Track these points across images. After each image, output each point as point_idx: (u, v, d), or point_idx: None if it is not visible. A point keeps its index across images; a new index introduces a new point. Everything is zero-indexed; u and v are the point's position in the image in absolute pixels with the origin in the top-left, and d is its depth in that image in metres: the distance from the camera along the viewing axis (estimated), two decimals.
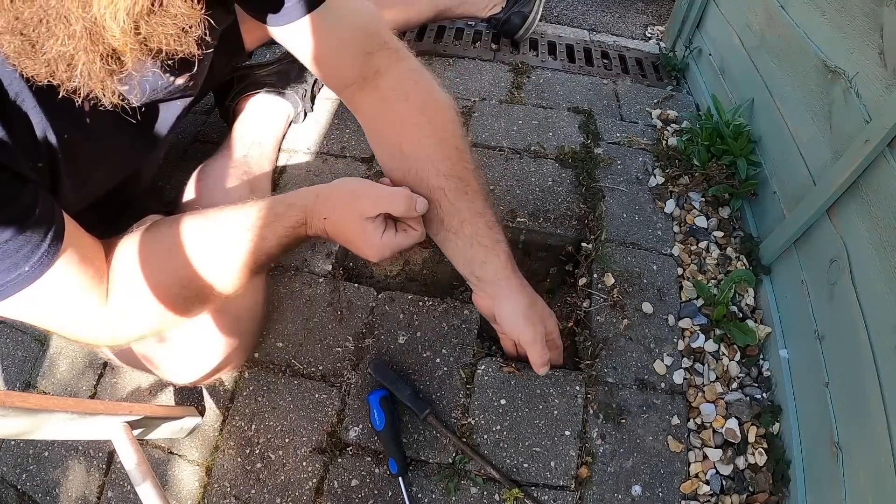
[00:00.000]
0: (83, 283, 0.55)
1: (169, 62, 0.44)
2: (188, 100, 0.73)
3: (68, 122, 0.54)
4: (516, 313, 0.76)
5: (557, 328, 0.82)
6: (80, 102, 0.54)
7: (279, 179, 1.08)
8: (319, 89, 1.23)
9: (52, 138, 0.52)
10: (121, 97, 0.44)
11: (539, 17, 1.43)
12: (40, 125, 0.50)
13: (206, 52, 0.44)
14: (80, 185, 0.61)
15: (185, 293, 0.62)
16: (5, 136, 0.46)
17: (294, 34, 0.67)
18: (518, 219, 1.01)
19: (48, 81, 0.40)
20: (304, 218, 0.64)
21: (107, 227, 0.64)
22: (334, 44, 0.68)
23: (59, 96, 0.51)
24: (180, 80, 0.63)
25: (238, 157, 1.00)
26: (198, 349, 0.75)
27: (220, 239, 0.62)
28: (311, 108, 1.20)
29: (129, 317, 0.60)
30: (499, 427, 0.81)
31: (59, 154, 0.54)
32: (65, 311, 0.56)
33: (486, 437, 0.80)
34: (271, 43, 1.14)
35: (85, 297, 0.56)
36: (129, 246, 0.60)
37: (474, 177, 0.73)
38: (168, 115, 0.72)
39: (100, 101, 0.44)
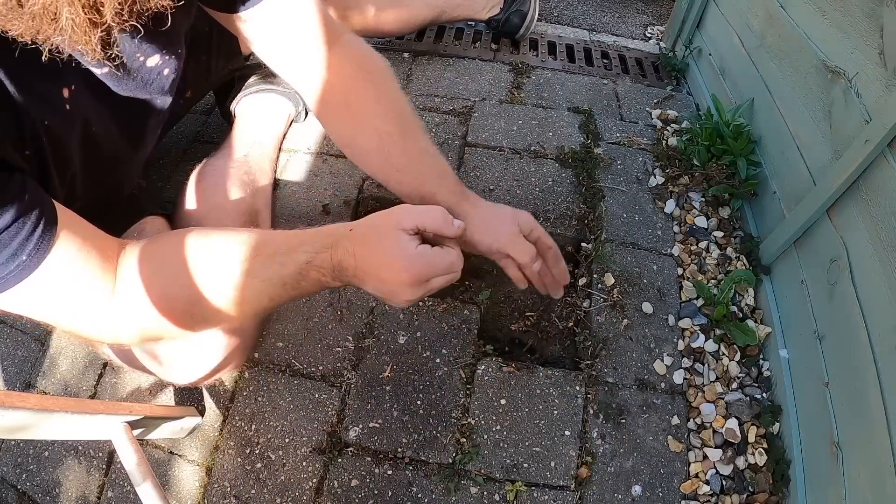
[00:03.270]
0: (87, 267, 0.54)
1: (142, 23, 0.44)
2: (168, 98, 0.73)
3: (48, 109, 0.54)
4: (482, 223, 0.73)
5: (535, 224, 0.76)
6: (60, 90, 0.53)
7: (279, 179, 1.08)
8: None
9: (36, 126, 0.52)
10: (104, 53, 0.44)
11: (537, 14, 1.43)
12: (22, 112, 0.50)
13: (177, 4, 0.44)
14: (65, 177, 0.60)
15: (193, 311, 0.60)
16: None
17: (259, 20, 0.66)
18: None
19: (31, 41, 0.40)
20: (331, 242, 0.58)
21: (102, 227, 0.63)
22: (298, 28, 0.69)
23: (39, 84, 0.50)
24: (157, 59, 0.64)
25: (239, 157, 1.00)
26: (198, 349, 0.75)
27: (235, 262, 0.59)
28: None
29: (134, 316, 0.58)
30: (499, 427, 0.81)
31: (44, 140, 0.54)
32: (70, 299, 0.54)
33: (486, 437, 0.80)
34: None
35: (90, 283, 0.54)
36: (145, 249, 0.59)
37: (417, 122, 0.76)
38: (152, 110, 0.72)
39: (81, 64, 0.44)
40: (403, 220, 0.58)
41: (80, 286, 0.54)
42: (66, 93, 0.56)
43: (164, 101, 0.72)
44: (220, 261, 0.59)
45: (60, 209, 0.52)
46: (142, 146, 0.78)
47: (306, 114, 1.18)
